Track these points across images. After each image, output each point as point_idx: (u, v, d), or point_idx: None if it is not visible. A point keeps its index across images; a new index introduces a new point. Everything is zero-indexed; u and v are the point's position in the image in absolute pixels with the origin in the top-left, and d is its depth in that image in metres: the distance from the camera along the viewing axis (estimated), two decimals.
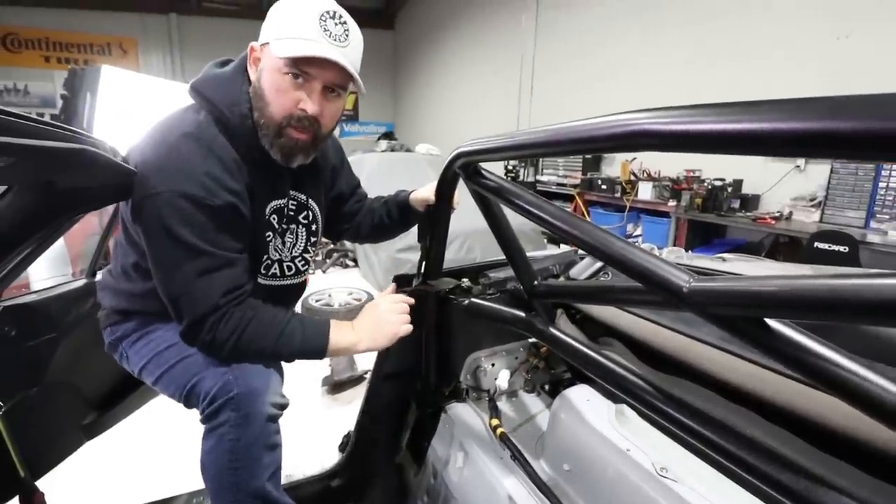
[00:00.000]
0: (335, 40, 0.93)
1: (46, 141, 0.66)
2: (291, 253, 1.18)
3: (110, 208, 1.64)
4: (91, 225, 2.22)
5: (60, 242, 1.93)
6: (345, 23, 0.95)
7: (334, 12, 0.94)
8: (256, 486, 0.99)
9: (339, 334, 1.03)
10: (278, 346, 0.98)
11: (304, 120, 0.97)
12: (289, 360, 1.04)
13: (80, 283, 1.58)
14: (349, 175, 1.38)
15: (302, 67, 0.93)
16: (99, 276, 1.58)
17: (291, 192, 1.13)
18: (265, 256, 1.11)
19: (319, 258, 5.33)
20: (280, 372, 1.08)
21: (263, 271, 1.13)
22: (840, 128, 0.32)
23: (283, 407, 1.03)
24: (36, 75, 10.21)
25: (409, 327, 1.08)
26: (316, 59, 0.92)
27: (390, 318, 1.06)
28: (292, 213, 1.15)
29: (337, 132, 1.19)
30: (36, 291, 1.45)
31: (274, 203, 1.09)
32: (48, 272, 1.88)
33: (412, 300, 1.12)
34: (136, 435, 2.09)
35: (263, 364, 1.02)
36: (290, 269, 1.19)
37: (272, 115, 0.97)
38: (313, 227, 1.21)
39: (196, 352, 1.01)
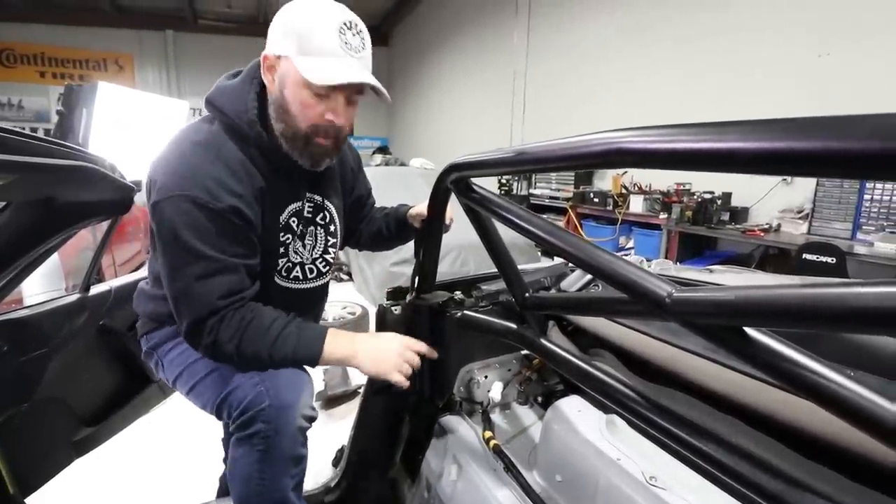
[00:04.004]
0: (355, 51, 0.95)
1: (47, 158, 0.68)
2: (312, 255, 1.18)
3: (105, 224, 1.64)
4: (85, 239, 2.22)
5: (54, 257, 1.93)
6: (360, 31, 0.97)
7: (350, 22, 0.95)
8: (281, 497, 0.99)
9: (335, 345, 1.02)
10: (273, 350, 0.98)
11: (331, 129, 1.01)
12: (283, 366, 1.01)
13: (74, 297, 1.57)
14: (365, 180, 1.41)
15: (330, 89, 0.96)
16: (101, 288, 1.59)
17: (308, 195, 1.14)
18: (285, 260, 1.12)
19: None
20: (310, 382, 1.07)
21: (285, 274, 1.14)
22: (797, 147, 0.35)
23: (312, 419, 1.02)
24: (31, 90, 10.25)
25: (403, 380, 1.05)
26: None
27: (395, 359, 1.04)
28: (310, 215, 1.16)
29: None
30: (29, 306, 1.45)
31: (292, 206, 1.10)
32: (41, 287, 1.87)
33: (418, 360, 1.09)
34: (127, 452, 2.07)
35: (292, 371, 1.02)
36: (311, 271, 1.19)
37: (299, 127, 1.00)
38: (331, 227, 1.21)
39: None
